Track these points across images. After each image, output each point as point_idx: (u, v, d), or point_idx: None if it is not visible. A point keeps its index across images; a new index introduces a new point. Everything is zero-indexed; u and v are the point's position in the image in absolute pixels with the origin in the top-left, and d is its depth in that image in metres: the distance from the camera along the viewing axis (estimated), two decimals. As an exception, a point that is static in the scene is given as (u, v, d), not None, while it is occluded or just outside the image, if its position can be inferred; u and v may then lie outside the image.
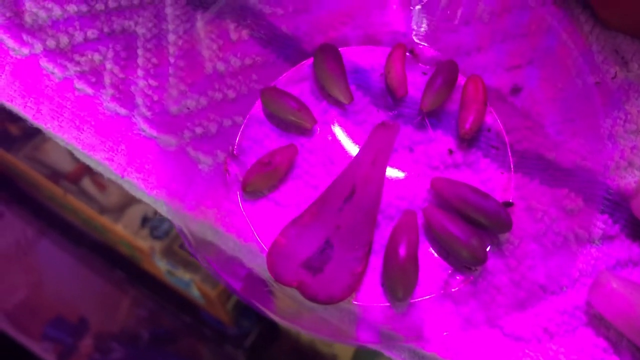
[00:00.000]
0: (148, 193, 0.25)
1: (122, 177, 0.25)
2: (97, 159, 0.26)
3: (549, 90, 0.26)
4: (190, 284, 0.57)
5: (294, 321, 0.22)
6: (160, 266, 0.58)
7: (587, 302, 0.23)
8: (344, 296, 0.22)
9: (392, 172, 0.25)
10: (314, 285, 0.22)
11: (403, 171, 0.25)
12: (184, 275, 0.56)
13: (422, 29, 0.27)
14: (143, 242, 0.56)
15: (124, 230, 0.56)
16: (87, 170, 0.57)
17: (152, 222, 0.56)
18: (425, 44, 0.27)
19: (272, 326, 0.68)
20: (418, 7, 0.27)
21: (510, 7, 0.29)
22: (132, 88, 0.26)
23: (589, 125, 0.26)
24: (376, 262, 0.23)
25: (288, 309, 0.22)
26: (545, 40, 0.28)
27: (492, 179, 0.25)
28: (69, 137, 0.26)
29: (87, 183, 0.58)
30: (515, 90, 0.26)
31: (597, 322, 0.23)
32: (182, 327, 0.72)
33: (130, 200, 0.57)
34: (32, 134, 0.57)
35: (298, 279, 0.22)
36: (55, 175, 0.58)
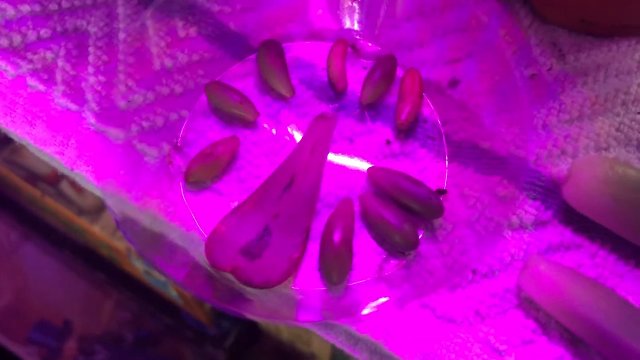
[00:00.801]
0: (96, 185, 0.26)
1: (72, 170, 0.26)
2: (49, 153, 0.26)
3: (486, 83, 0.27)
4: (167, 284, 0.58)
5: (234, 305, 0.22)
6: (138, 266, 0.59)
7: (518, 285, 0.24)
8: (281, 280, 0.23)
9: (332, 162, 0.26)
10: (250, 270, 0.23)
11: (343, 161, 0.26)
12: (160, 276, 0.57)
13: (356, 27, 0.27)
14: (119, 243, 0.56)
15: (101, 232, 0.57)
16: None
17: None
18: (367, 40, 0.28)
19: (252, 326, 0.68)
20: (355, 4, 0.28)
21: (452, 3, 0.30)
22: (83, 84, 0.27)
23: (523, 115, 0.27)
24: (314, 248, 0.24)
25: (227, 295, 0.23)
26: (484, 35, 0.29)
27: (427, 168, 0.26)
28: (21, 132, 0.27)
29: (65, 185, 0.58)
30: (454, 83, 0.27)
31: (527, 304, 0.24)
32: (164, 329, 0.73)
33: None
34: (8, 138, 0.58)
35: (234, 265, 0.23)
36: (34, 178, 0.59)
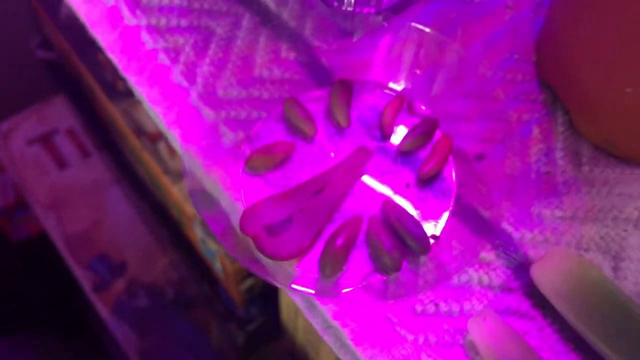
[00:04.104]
0: (182, 146, 0.33)
1: (168, 128, 0.34)
2: (156, 112, 0.34)
3: (507, 167, 0.32)
4: (216, 255, 0.66)
5: (246, 260, 0.29)
6: (197, 233, 0.67)
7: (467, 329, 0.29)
8: (286, 258, 0.29)
9: (359, 186, 0.32)
10: (266, 242, 0.29)
11: (367, 188, 0.32)
12: (212, 246, 0.64)
13: (416, 89, 0.34)
14: (189, 208, 0.65)
15: (178, 193, 0.65)
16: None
17: (201, 194, 0.65)
18: (423, 103, 0.34)
19: (275, 322, 0.74)
20: (418, 71, 0.34)
21: (505, 94, 0.35)
22: (197, 70, 0.35)
23: (525, 204, 0.32)
24: (321, 246, 0.31)
25: (244, 253, 0.29)
26: (521, 129, 0.34)
27: (431, 216, 0.31)
28: (142, 90, 0.35)
29: (162, 145, 0.68)
30: (480, 157, 0.33)
31: (470, 346, 0.29)
32: (201, 298, 0.81)
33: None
34: (132, 93, 0.68)
35: (256, 234, 0.29)
36: (139, 132, 0.68)
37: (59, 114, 0.93)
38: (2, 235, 0.91)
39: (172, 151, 0.67)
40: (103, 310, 0.82)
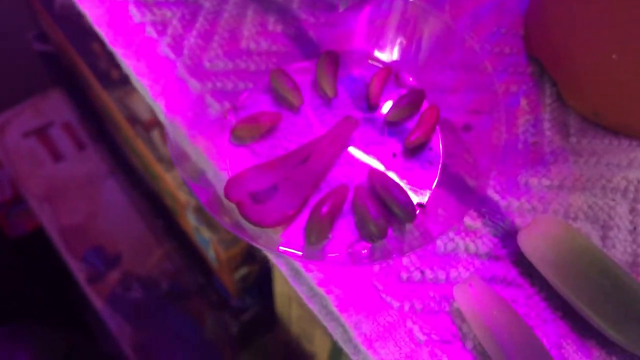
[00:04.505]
0: (167, 116, 0.33)
1: (154, 100, 0.34)
2: (142, 83, 0.34)
3: (493, 137, 0.32)
4: (209, 243, 0.65)
5: (231, 226, 0.29)
6: (191, 221, 0.67)
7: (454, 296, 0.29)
8: (270, 226, 0.29)
9: (345, 155, 0.32)
10: (250, 209, 0.29)
11: (354, 158, 0.32)
12: (206, 234, 0.64)
13: (403, 60, 0.34)
14: (182, 196, 0.64)
15: (171, 181, 0.65)
16: (158, 123, 0.67)
17: (194, 181, 0.65)
18: (410, 74, 0.34)
19: (270, 313, 0.74)
20: (404, 41, 0.34)
21: (493, 66, 0.35)
22: (185, 42, 0.35)
23: (512, 173, 0.32)
24: (306, 214, 0.30)
25: (230, 219, 0.29)
26: (508, 100, 0.34)
27: (418, 184, 0.31)
28: (129, 63, 0.35)
29: (155, 134, 0.67)
30: (467, 127, 0.33)
31: (456, 313, 0.29)
32: (195, 288, 0.81)
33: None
34: (127, 81, 0.68)
35: (240, 201, 0.29)
36: (134, 120, 0.68)
37: (55, 107, 0.93)
38: (0, 230, 0.91)
39: (165, 139, 0.67)
40: (98, 302, 0.82)
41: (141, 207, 0.85)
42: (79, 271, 0.84)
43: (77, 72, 0.80)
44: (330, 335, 0.30)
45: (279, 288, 0.65)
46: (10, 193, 0.94)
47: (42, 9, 0.77)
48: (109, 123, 0.81)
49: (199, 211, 0.65)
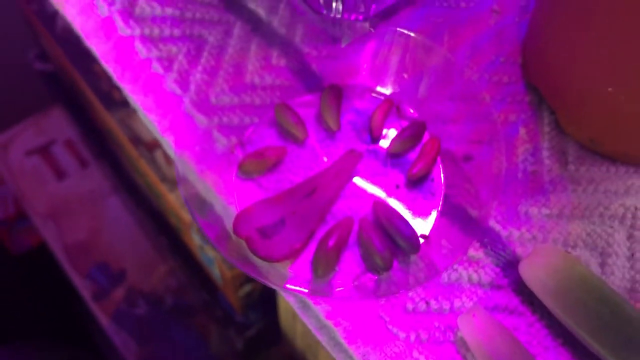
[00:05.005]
0: (176, 152, 0.34)
1: (162, 135, 0.34)
2: (150, 119, 0.35)
3: (494, 167, 0.33)
4: (214, 261, 0.66)
5: (240, 262, 0.29)
6: (195, 240, 0.67)
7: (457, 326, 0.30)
8: (279, 260, 0.30)
9: (350, 188, 0.33)
10: (259, 244, 0.30)
11: (358, 190, 0.33)
12: (210, 252, 0.65)
13: (403, 93, 0.35)
14: (186, 215, 0.65)
15: (175, 200, 0.66)
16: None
17: (198, 201, 0.66)
18: (411, 106, 0.35)
19: (275, 327, 0.75)
20: (405, 75, 0.35)
21: (492, 95, 0.36)
22: (190, 77, 0.36)
23: (513, 203, 0.33)
24: (314, 247, 0.31)
25: (238, 255, 0.30)
26: (507, 129, 0.35)
27: (421, 216, 0.32)
28: (136, 98, 0.36)
29: (159, 154, 0.68)
30: (467, 158, 0.34)
31: (460, 343, 0.30)
32: (200, 304, 0.81)
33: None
34: (128, 103, 0.69)
35: (249, 236, 0.30)
36: (136, 141, 0.69)
37: (56, 125, 0.94)
38: (3, 246, 0.92)
39: (168, 159, 0.68)
40: (103, 319, 0.82)
41: (145, 224, 0.86)
42: (83, 288, 0.84)
43: (78, 92, 0.81)
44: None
45: (283, 304, 0.65)
46: (13, 210, 0.95)
47: (43, 30, 0.78)
48: (111, 142, 0.82)
49: (203, 230, 0.65)
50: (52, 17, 0.76)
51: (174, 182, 0.67)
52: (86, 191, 0.89)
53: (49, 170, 0.90)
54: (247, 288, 0.70)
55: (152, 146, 0.69)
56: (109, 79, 0.68)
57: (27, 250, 0.92)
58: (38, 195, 0.88)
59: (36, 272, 0.92)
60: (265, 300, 0.74)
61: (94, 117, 0.82)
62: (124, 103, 0.70)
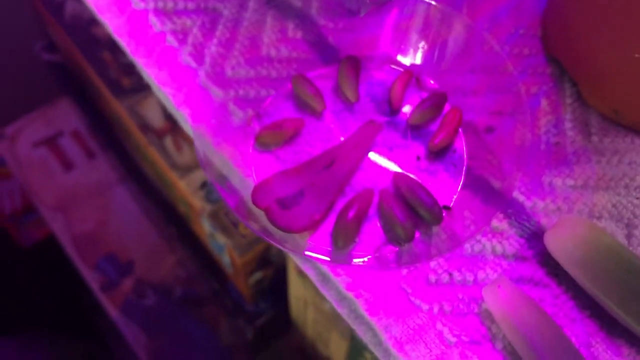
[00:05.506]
0: (192, 125, 0.33)
1: (177, 108, 0.34)
2: (165, 93, 0.35)
3: (516, 138, 0.32)
4: (224, 248, 0.66)
5: (260, 231, 0.29)
6: (205, 227, 0.67)
7: (482, 297, 0.29)
8: (298, 231, 0.29)
9: (370, 160, 0.32)
10: (278, 214, 0.29)
11: (378, 162, 0.32)
12: (221, 239, 0.65)
13: (425, 64, 0.34)
14: (197, 202, 0.65)
15: (185, 188, 0.66)
16: (171, 130, 0.67)
17: (209, 187, 0.65)
18: (431, 77, 0.34)
19: (285, 315, 0.74)
20: (425, 46, 0.34)
21: (513, 67, 0.35)
22: (205, 50, 0.35)
23: (536, 174, 0.32)
24: (333, 219, 0.31)
25: (257, 223, 0.29)
26: (529, 101, 0.34)
27: (443, 187, 0.31)
28: (150, 72, 0.35)
29: (168, 141, 0.68)
30: (489, 129, 0.33)
31: (485, 314, 0.29)
32: (210, 294, 0.81)
33: (197, 164, 0.67)
34: (138, 89, 0.69)
35: (268, 206, 0.29)
36: (145, 128, 0.68)
37: (64, 116, 0.94)
38: (11, 240, 0.91)
39: (178, 146, 0.67)
40: (112, 310, 0.82)
41: (153, 214, 0.85)
42: (92, 279, 0.84)
43: (86, 81, 0.81)
44: (346, 339, 0.30)
45: (294, 292, 0.65)
46: (21, 203, 0.95)
47: (51, 19, 0.77)
48: (119, 131, 0.81)
49: (214, 217, 0.65)
50: (60, 5, 0.75)
51: (183, 169, 0.66)
52: (94, 182, 0.89)
53: (56, 162, 0.90)
54: (257, 275, 0.69)
55: (162, 133, 0.68)
56: (117, 66, 0.67)
57: (36, 243, 0.91)
58: (46, 187, 0.88)
59: (45, 264, 0.91)
60: (276, 288, 0.73)
61: (102, 106, 0.82)
62: (133, 90, 0.69)
